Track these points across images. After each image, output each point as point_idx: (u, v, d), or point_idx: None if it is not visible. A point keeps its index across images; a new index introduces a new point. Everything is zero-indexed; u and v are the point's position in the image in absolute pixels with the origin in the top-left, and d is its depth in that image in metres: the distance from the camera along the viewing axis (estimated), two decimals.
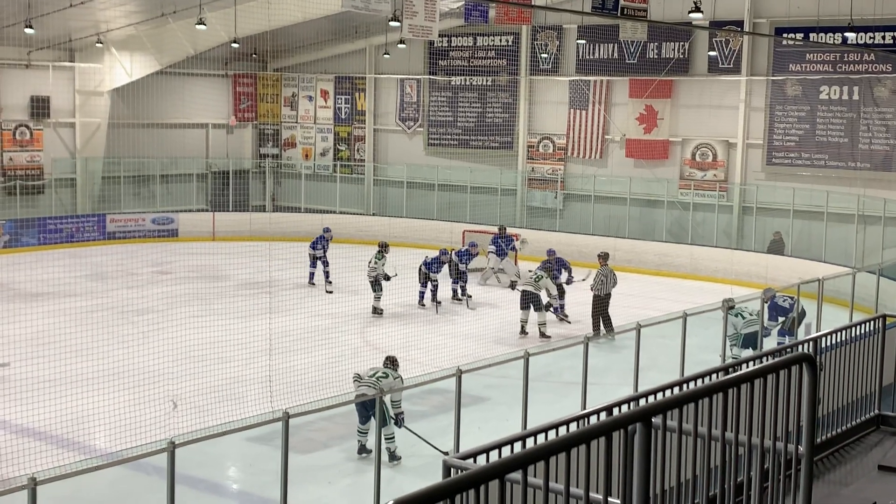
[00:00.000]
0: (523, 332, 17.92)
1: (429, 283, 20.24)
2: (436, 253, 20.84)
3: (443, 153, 30.60)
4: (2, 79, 27.05)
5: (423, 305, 20.14)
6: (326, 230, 22.56)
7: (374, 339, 17.75)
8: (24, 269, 21.92)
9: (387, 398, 11.29)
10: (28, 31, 23.03)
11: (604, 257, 18.51)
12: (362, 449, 11.65)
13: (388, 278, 19.48)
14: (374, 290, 19.49)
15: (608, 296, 18.00)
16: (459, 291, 20.88)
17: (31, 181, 27.79)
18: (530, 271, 18.78)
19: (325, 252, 22.13)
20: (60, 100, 28.37)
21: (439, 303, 20.19)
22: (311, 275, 22.07)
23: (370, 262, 19.67)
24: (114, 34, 27.51)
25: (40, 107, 27.82)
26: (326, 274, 22.02)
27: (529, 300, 18.02)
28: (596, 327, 17.73)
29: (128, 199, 29.47)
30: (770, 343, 15.19)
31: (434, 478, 3.60)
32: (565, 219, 28.06)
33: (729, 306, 14.89)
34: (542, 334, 17.77)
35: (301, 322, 17.35)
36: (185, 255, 25.46)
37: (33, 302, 18.93)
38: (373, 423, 11.36)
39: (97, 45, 27.74)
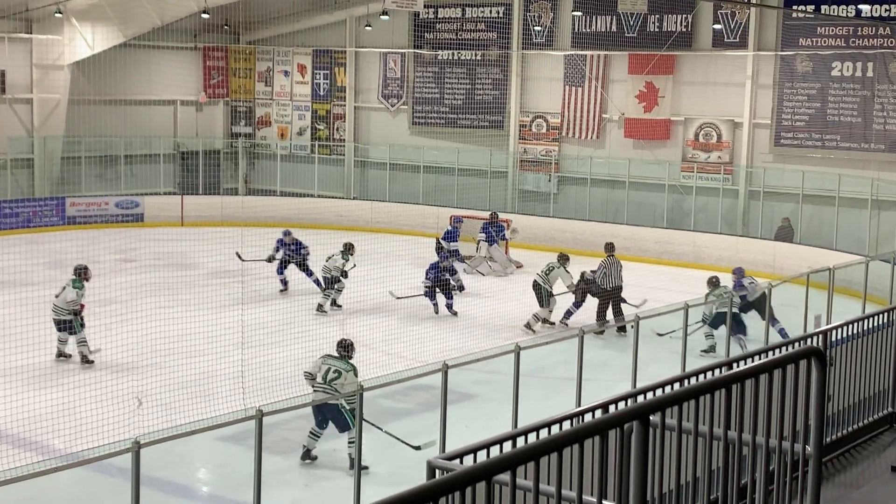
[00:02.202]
0: (532, 325, 18.07)
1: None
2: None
3: (429, 133, 30.56)
4: None
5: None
6: (286, 233, 20.93)
7: (354, 331, 17.72)
8: None
9: (343, 399, 11.23)
10: None
11: (610, 248, 18.47)
12: (307, 454, 11.45)
13: (345, 275, 19.40)
14: (328, 287, 19.43)
15: (617, 288, 17.90)
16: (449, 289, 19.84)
17: None
18: (547, 264, 18.68)
19: (293, 258, 20.28)
20: (16, 74, 28.19)
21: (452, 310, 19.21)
22: (284, 282, 20.60)
23: (330, 259, 19.55)
24: (74, 4, 27.34)
25: None
26: (317, 282, 20.06)
27: (537, 291, 18.24)
28: (600, 318, 17.70)
29: (89, 182, 29.33)
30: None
31: (407, 483, 3.60)
32: (559, 203, 28.08)
33: (714, 284, 16.70)
34: (528, 326, 17.83)
35: (276, 313, 17.33)
36: (151, 241, 25.34)
37: None
38: (331, 427, 11.39)
39: (56, 15, 27.54)
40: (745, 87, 25.42)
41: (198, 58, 32.69)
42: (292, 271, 20.57)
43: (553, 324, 18.38)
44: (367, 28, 29.48)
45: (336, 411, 11.33)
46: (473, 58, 29.62)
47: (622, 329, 17.01)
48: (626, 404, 5.22)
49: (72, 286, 15.41)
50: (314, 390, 11.54)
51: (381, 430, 11.21)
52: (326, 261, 19.66)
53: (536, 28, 28.29)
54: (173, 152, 31.82)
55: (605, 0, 26.22)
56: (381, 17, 27.56)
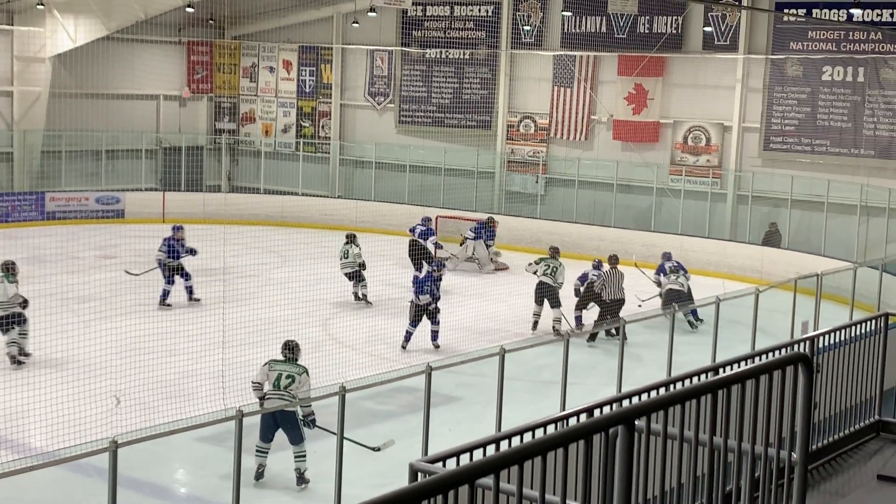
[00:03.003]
0: (536, 327, 18.04)
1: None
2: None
3: (415, 132, 30.54)
4: None
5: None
6: (177, 228, 19.82)
7: (337, 332, 17.72)
8: None
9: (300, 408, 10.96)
10: None
11: (614, 260, 18.07)
12: (261, 474, 11.06)
13: (364, 266, 19.75)
14: (359, 280, 19.76)
15: (618, 301, 17.50)
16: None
17: None
18: (539, 261, 18.50)
19: (178, 258, 19.14)
20: None
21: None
22: (166, 293, 18.99)
23: (346, 255, 19.86)
24: None
25: None
26: (189, 289, 19.12)
27: (545, 293, 18.05)
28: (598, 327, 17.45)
29: (70, 177, 29.19)
30: None
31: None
32: (547, 205, 28.11)
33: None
34: (556, 331, 17.48)
35: (257, 313, 17.29)
36: (131, 238, 25.25)
37: None
38: (279, 438, 11.00)
39: (38, 6, 27.42)
40: (735, 90, 25.51)
41: (182, 52, 32.60)
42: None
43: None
44: (354, 25, 29.46)
45: (293, 420, 10.94)
46: (461, 56, 29.64)
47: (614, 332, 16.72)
48: (612, 409, 5.24)
49: (7, 281, 15.30)
50: (266, 399, 11.11)
51: (329, 430, 11.03)
52: (343, 259, 19.87)
53: (525, 28, 28.32)
54: (155, 148, 31.72)
55: (595, 0, 26.27)
56: (369, 13, 27.55)
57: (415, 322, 16.67)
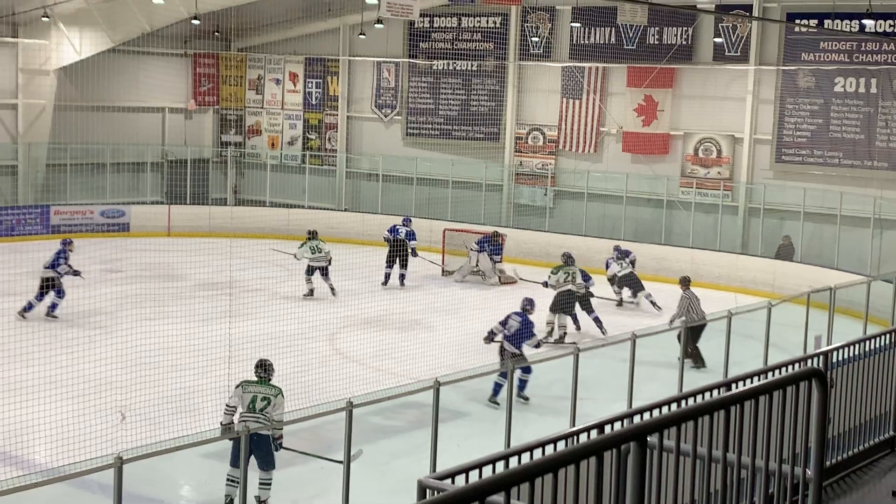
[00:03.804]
0: (552, 335, 18.30)
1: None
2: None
3: (422, 144, 30.59)
4: None
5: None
6: (67, 242, 19.66)
7: (343, 346, 17.73)
8: None
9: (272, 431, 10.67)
10: None
11: (685, 282, 17.87)
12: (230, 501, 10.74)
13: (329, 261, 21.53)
14: (327, 274, 21.33)
15: (702, 325, 17.15)
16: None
17: None
18: (556, 271, 18.90)
19: (60, 274, 18.85)
20: (1, 79, 28.20)
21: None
22: (29, 306, 18.56)
23: (319, 249, 21.41)
24: (62, 8, 27.34)
25: None
26: (54, 306, 18.70)
27: (572, 301, 18.43)
28: (689, 356, 17.31)
29: (75, 190, 29.28)
30: None
31: None
32: (555, 218, 28.11)
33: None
34: (561, 340, 18.06)
35: (264, 327, 17.29)
36: (137, 251, 25.31)
37: None
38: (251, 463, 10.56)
39: (43, 19, 27.55)
40: (746, 101, 25.51)
41: (187, 64, 32.72)
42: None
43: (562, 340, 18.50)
44: (360, 36, 29.54)
45: (267, 445, 10.64)
46: (469, 68, 29.69)
47: (700, 362, 16.68)
48: (623, 424, 5.23)
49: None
50: (239, 422, 10.80)
51: (304, 453, 10.89)
52: (317, 253, 21.28)
53: (534, 39, 28.37)
54: (161, 161, 31.81)
55: (604, 12, 26.31)
56: (376, 25, 27.63)
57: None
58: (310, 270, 21.46)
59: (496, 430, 11.42)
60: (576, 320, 18.91)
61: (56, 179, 28.85)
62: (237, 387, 11.07)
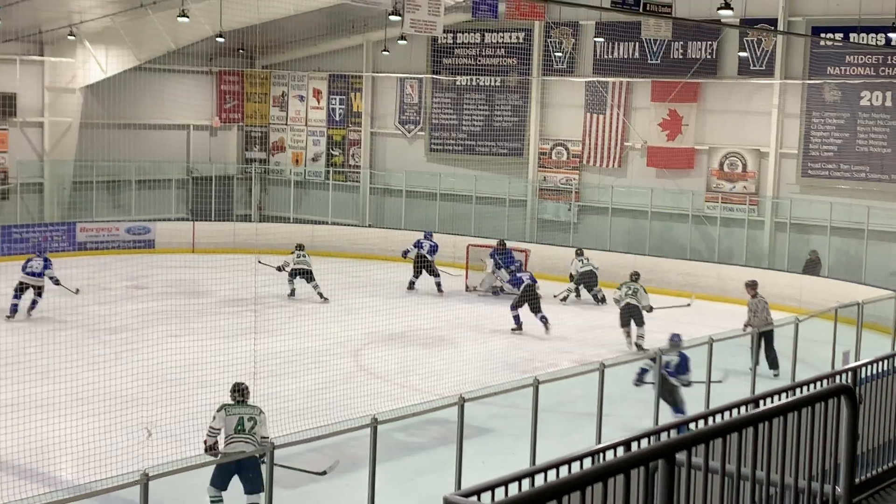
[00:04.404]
0: (633, 345, 19.06)
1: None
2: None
3: (446, 160, 30.64)
4: None
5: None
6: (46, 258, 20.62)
7: (368, 362, 17.74)
8: None
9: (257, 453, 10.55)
10: None
11: (753, 286, 18.01)
12: None
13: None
14: (311, 280, 22.70)
15: (769, 332, 17.18)
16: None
17: None
18: (620, 286, 19.71)
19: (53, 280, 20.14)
20: (28, 97, 28.44)
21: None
22: (14, 307, 19.74)
23: (300, 259, 22.87)
24: (88, 26, 27.60)
25: (6, 104, 27.87)
26: (35, 303, 19.94)
27: (632, 314, 19.12)
28: (757, 362, 17.42)
29: (100, 207, 29.51)
30: None
31: None
32: (580, 233, 28.06)
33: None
34: (639, 347, 18.70)
35: (288, 343, 17.34)
36: (162, 268, 25.45)
37: None
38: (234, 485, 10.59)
39: (69, 37, 27.81)
40: (772, 115, 25.41)
41: (212, 82, 32.94)
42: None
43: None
44: (384, 53, 29.65)
45: (255, 467, 10.49)
46: (492, 84, 29.74)
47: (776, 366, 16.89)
48: (650, 442, 5.21)
49: None
50: (230, 443, 10.70)
51: (285, 466, 10.80)
52: (304, 258, 22.95)
53: (557, 54, 28.38)
54: (185, 177, 32.01)
55: (628, 26, 26.30)
56: (399, 41, 27.72)
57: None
58: (293, 274, 22.88)
59: (521, 447, 11.38)
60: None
61: (82, 196, 29.08)
62: (219, 410, 10.95)
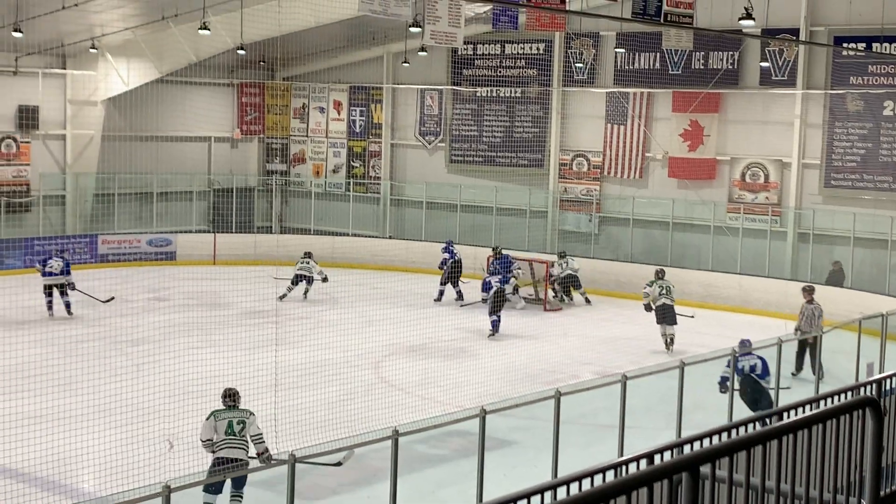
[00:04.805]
0: (670, 345, 19.80)
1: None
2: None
3: (466, 171, 30.67)
4: None
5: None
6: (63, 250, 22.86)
7: (388, 374, 17.75)
8: (8, 294, 22.03)
9: (250, 445, 11.08)
10: (16, 34, 23.31)
11: (809, 291, 18.33)
12: None
13: (325, 279, 23.64)
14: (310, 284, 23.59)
15: (816, 338, 17.22)
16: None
17: (16, 198, 28.03)
18: (654, 283, 20.23)
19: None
20: (50, 110, 28.65)
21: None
22: (50, 304, 21.38)
23: (302, 266, 23.73)
24: (109, 39, 27.80)
25: (28, 117, 28.09)
26: (68, 304, 21.45)
27: (666, 313, 19.84)
28: (799, 368, 17.61)
29: (122, 219, 29.68)
30: None
31: None
32: (601, 244, 28.02)
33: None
34: (668, 346, 19.72)
35: (309, 355, 17.38)
36: (183, 280, 25.55)
37: (17, 330, 19.03)
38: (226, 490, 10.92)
39: (91, 50, 28.03)
40: (794, 126, 25.32)
41: (233, 94, 33.10)
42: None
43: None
44: (404, 64, 29.72)
45: (246, 466, 11.03)
46: (513, 95, 29.76)
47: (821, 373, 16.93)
48: (673, 454, 5.19)
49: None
50: (222, 448, 11.04)
51: (304, 461, 11.04)
52: (300, 265, 23.80)
53: (578, 65, 28.38)
54: (206, 189, 32.15)
55: (649, 37, 26.26)
56: (419, 53, 27.79)
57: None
58: (295, 280, 23.66)
59: (543, 460, 11.36)
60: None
61: (104, 209, 29.25)
62: (208, 419, 11.24)
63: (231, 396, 11.49)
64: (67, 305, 21.30)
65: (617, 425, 11.76)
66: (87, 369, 15.17)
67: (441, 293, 24.24)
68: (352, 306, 22.51)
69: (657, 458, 5.17)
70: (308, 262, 23.98)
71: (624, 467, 5.23)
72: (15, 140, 28.05)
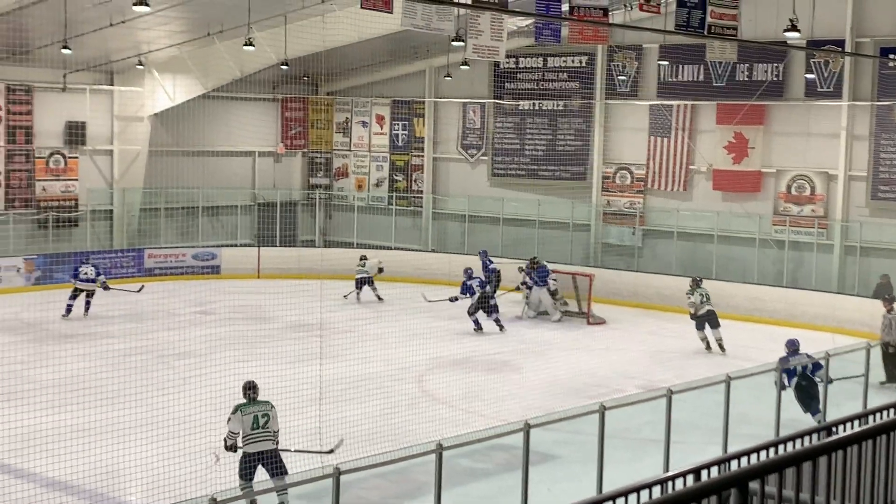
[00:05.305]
0: (709, 347, 20.72)
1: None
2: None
3: (509, 184, 30.67)
4: (36, 103, 27.80)
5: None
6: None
7: (432, 388, 17.77)
8: (56, 308, 22.38)
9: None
10: (65, 51, 23.64)
11: (889, 301, 18.38)
12: None
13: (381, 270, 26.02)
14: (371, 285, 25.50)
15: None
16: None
17: (64, 213, 28.41)
18: (694, 291, 20.90)
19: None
20: (98, 125, 29.05)
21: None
22: (69, 307, 22.82)
23: (362, 268, 25.67)
24: (155, 55, 28.16)
25: (76, 133, 28.49)
26: (88, 305, 23.23)
27: (709, 318, 20.61)
28: (891, 379, 17.68)
29: (168, 233, 30.00)
30: None
31: None
32: (644, 258, 27.89)
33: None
34: (723, 348, 20.49)
35: (353, 368, 17.44)
36: (228, 293, 25.74)
37: (65, 344, 19.27)
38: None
39: (138, 67, 28.41)
40: (840, 138, 25.07)
41: (276, 109, 33.37)
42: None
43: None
44: (446, 78, 29.81)
45: (277, 456, 11.46)
46: (555, 108, 29.74)
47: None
48: (720, 470, 5.17)
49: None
50: (250, 442, 11.43)
51: (300, 450, 11.72)
52: (362, 266, 25.72)
53: (621, 77, 28.32)
54: (251, 204, 32.41)
55: (693, 49, 26.15)
56: (462, 66, 27.86)
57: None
58: (358, 283, 25.62)
59: (587, 474, 11.32)
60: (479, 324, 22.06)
61: (150, 223, 29.59)
62: (234, 413, 11.58)
63: (252, 388, 11.86)
64: (87, 305, 22.98)
65: (662, 440, 11.70)
66: (134, 382, 15.36)
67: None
68: (395, 319, 22.57)
69: (704, 473, 5.15)
70: (364, 265, 25.70)
71: (670, 483, 5.21)
72: (63, 156, 28.46)
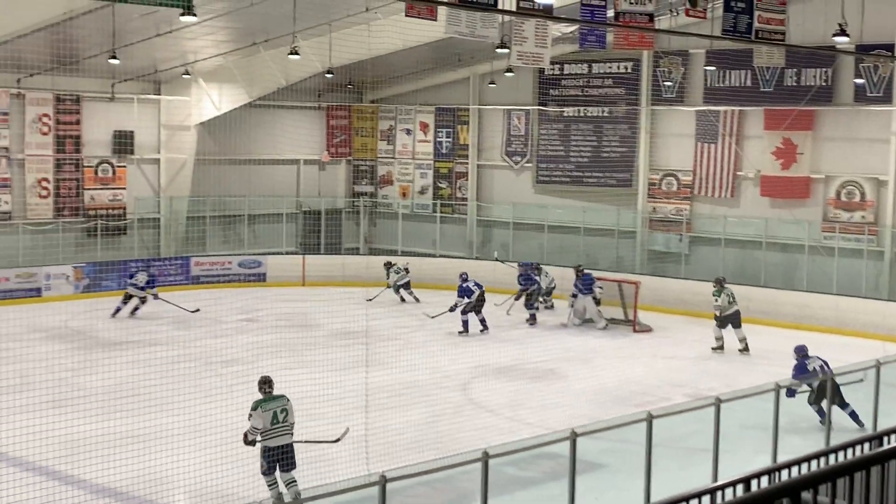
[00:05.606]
0: (722, 348, 21.18)
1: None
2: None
3: (554, 191, 30.61)
4: (84, 112, 28.16)
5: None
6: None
7: (477, 396, 17.76)
8: (104, 315, 22.67)
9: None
10: (112, 61, 23.96)
11: None
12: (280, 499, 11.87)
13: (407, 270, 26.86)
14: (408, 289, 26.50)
15: None
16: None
17: (112, 221, 28.76)
18: (721, 293, 21.20)
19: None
20: (145, 135, 29.38)
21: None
22: (118, 309, 23.61)
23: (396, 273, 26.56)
24: (202, 65, 28.44)
25: (124, 142, 28.83)
26: (137, 308, 24.08)
27: (733, 318, 21.11)
28: None
29: (214, 241, 30.25)
30: None
31: None
32: (691, 264, 27.70)
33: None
34: (746, 348, 20.96)
35: (398, 376, 17.47)
36: (273, 301, 25.92)
37: (113, 351, 19.51)
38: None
39: (184, 76, 28.70)
40: (890, 143, 24.78)
41: (321, 117, 33.57)
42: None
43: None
44: (490, 85, 29.81)
45: (293, 449, 11.92)
46: (600, 114, 29.65)
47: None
48: (770, 480, 5.13)
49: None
50: (272, 437, 11.79)
51: (306, 441, 12.15)
52: (396, 274, 26.55)
53: (667, 83, 28.18)
54: (296, 212, 32.60)
55: (740, 54, 25.97)
56: (506, 73, 27.87)
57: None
58: (396, 289, 26.37)
59: (635, 483, 11.26)
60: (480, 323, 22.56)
61: (196, 231, 29.87)
62: (256, 409, 11.95)
63: (268, 383, 12.23)
64: (136, 308, 23.79)
65: (710, 449, 11.60)
66: (182, 389, 15.47)
67: (533, 316, 24.22)
68: (439, 327, 22.60)
69: (754, 483, 5.10)
70: (397, 270, 26.83)
71: (720, 493, 5.18)
72: (111, 164, 28.81)
